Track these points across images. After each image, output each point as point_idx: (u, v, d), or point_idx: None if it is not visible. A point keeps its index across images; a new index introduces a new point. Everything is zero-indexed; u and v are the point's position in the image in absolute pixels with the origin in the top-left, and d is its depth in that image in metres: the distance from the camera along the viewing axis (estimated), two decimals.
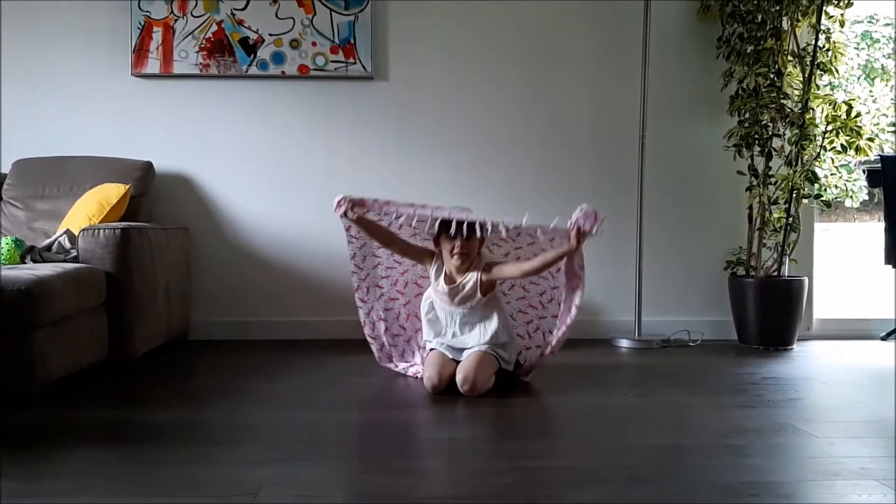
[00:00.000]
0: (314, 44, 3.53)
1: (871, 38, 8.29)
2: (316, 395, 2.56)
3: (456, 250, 2.55)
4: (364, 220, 2.60)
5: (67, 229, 2.90)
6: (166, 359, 3.11)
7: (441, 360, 2.58)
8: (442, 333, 2.67)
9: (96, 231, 2.76)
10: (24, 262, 2.75)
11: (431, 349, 2.68)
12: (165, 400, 2.50)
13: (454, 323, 2.64)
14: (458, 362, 2.59)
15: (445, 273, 2.63)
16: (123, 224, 2.85)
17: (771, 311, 3.38)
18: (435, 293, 2.66)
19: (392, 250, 2.75)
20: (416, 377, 2.74)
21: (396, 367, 2.86)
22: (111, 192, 3.08)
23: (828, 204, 3.50)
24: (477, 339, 2.61)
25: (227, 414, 2.30)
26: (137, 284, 2.83)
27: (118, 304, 2.76)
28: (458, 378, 2.50)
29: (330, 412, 2.32)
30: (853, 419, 2.28)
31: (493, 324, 2.61)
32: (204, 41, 3.51)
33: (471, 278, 2.59)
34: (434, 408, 2.41)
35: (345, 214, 2.55)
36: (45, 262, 2.75)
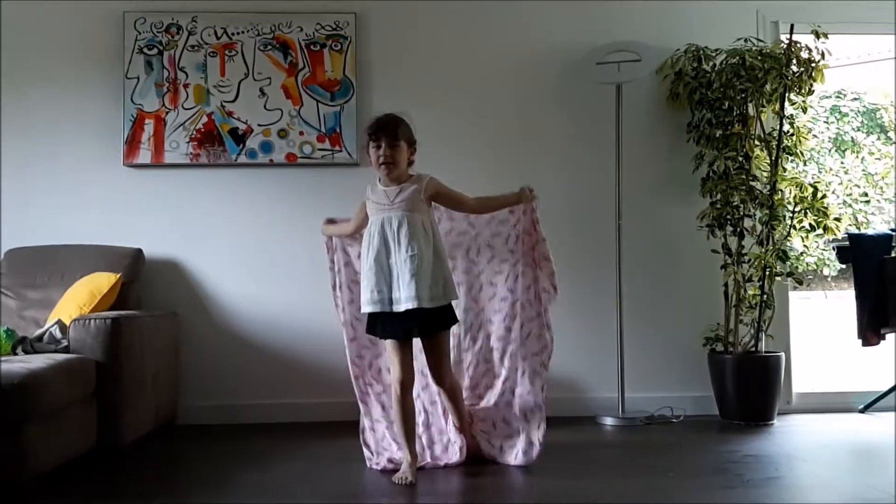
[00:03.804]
0: (301, 133, 3.66)
1: (840, 112, 8.63)
2: (301, 485, 2.58)
3: (382, 159, 2.62)
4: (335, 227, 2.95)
5: (59, 319, 2.95)
6: (154, 446, 3.12)
7: (400, 354, 2.60)
8: (378, 257, 2.58)
9: (87, 321, 2.81)
10: (16, 353, 2.79)
11: (371, 324, 2.65)
12: (150, 492, 2.51)
13: (392, 233, 2.57)
14: (402, 330, 2.57)
15: (380, 181, 2.70)
16: (114, 314, 2.90)
17: (750, 387, 3.45)
18: (372, 204, 2.66)
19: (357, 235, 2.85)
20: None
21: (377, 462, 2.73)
22: (102, 282, 3.14)
23: (800, 281, 3.60)
24: (417, 285, 2.50)
25: None
26: (126, 373, 2.87)
27: (107, 392, 2.79)
28: (425, 381, 2.78)
29: None
30: (831, 499, 2.33)
31: (426, 228, 2.60)
32: (194, 132, 3.63)
33: (412, 187, 2.63)
34: (417, 495, 2.43)
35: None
36: (36, 352, 2.79)
